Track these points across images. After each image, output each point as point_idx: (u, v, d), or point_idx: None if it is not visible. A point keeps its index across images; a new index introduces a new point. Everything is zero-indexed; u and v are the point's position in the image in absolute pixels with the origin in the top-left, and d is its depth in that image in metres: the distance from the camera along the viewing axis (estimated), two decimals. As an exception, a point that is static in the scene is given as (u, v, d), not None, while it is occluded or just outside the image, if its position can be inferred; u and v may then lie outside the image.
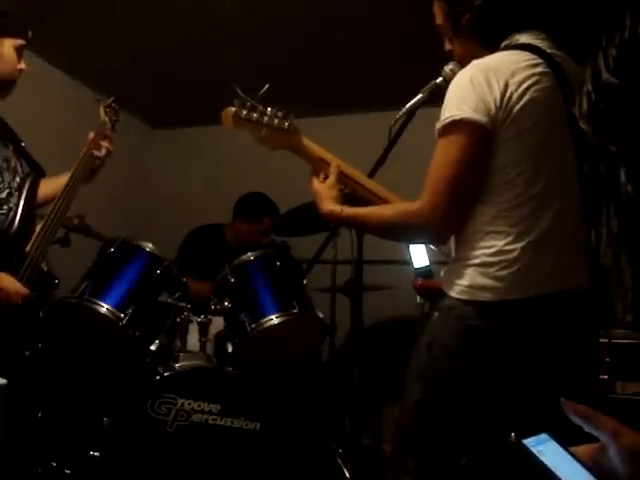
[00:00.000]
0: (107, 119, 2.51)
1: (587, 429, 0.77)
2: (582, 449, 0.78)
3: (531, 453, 0.74)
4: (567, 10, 1.63)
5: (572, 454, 0.77)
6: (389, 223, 1.58)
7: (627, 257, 0.67)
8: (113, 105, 2.56)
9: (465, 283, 1.46)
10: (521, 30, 1.53)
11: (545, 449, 0.76)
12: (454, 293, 1.48)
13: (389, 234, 1.67)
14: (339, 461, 2.85)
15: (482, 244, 1.46)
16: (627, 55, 0.64)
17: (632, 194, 0.64)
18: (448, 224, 1.48)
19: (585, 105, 0.68)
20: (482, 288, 1.44)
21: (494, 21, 1.54)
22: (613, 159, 0.65)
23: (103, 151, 2.38)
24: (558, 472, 0.73)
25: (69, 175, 2.24)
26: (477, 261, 1.46)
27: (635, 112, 0.63)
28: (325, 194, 1.68)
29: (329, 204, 1.66)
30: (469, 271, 1.46)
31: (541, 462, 0.74)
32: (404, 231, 1.60)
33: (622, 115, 0.64)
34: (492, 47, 1.54)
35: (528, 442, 0.76)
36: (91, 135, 2.38)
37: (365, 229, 1.67)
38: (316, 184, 1.72)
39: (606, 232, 0.68)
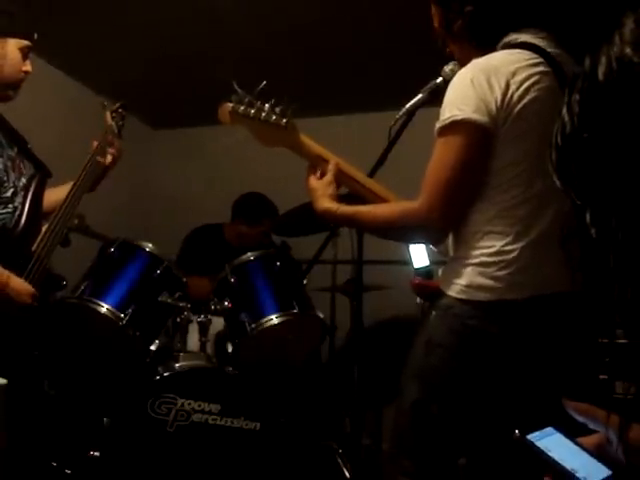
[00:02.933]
0: (114, 124, 2.50)
1: (592, 426, 0.78)
2: (588, 439, 0.79)
3: (536, 447, 0.75)
4: (558, 12, 1.63)
5: (579, 444, 0.78)
6: (385, 222, 1.58)
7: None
8: (119, 110, 2.55)
9: (463, 282, 1.46)
10: (518, 29, 1.53)
11: (551, 442, 0.76)
12: (452, 292, 1.48)
13: (385, 233, 1.66)
14: (339, 461, 2.85)
15: (481, 244, 1.46)
16: (588, 101, 0.64)
17: (595, 237, 0.66)
18: (445, 225, 1.48)
19: (554, 157, 0.69)
20: (480, 288, 1.44)
21: (486, 26, 1.54)
22: (581, 208, 0.67)
23: (109, 157, 2.34)
24: (565, 463, 0.74)
25: (73, 182, 2.24)
26: (476, 261, 1.46)
27: (597, 157, 0.64)
28: (321, 192, 1.66)
29: (325, 202, 1.65)
30: (468, 270, 1.46)
31: (547, 455, 0.74)
32: (400, 230, 1.59)
33: (586, 161, 0.65)
34: (488, 49, 1.53)
35: (533, 437, 0.76)
36: (96, 141, 2.36)
37: (361, 227, 1.67)
38: (312, 181, 1.70)
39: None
